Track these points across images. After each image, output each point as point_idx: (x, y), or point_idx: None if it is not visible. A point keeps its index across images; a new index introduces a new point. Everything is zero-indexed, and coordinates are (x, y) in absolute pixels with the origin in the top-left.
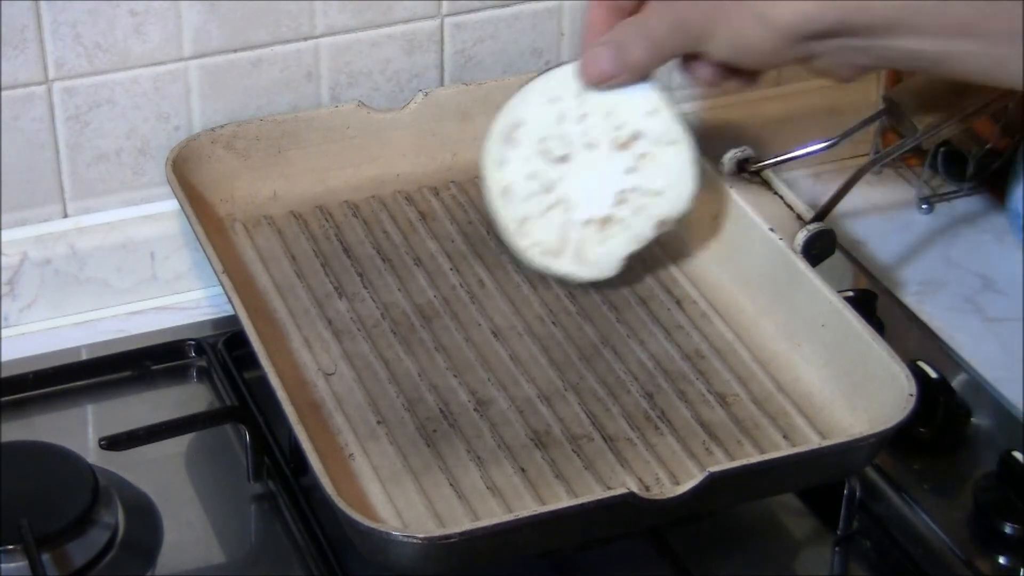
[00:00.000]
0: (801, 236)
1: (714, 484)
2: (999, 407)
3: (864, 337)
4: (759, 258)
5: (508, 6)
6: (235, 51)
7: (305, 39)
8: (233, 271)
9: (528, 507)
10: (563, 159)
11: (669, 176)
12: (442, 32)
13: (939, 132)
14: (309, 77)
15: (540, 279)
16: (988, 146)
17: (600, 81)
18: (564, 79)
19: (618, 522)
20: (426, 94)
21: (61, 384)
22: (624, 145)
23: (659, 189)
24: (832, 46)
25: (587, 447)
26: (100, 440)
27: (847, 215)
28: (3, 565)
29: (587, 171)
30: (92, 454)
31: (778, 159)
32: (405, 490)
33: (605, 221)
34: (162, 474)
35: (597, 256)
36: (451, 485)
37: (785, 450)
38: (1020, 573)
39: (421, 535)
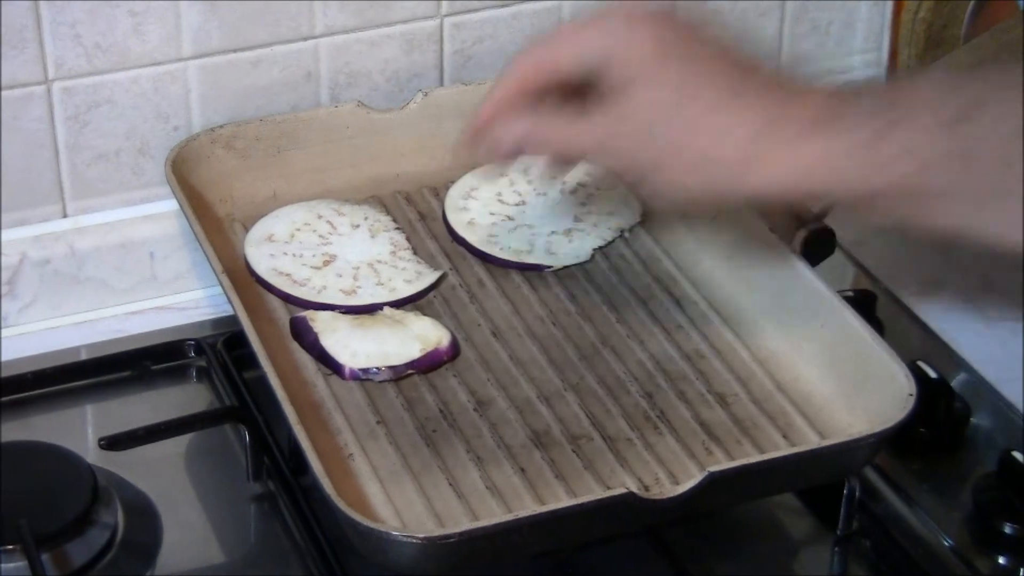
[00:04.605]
0: (801, 236)
1: (714, 484)
2: (999, 407)
3: (864, 337)
4: (759, 258)
5: (507, 6)
6: (235, 51)
7: (305, 39)
8: (232, 271)
9: (528, 507)
10: (519, 204)
11: (616, 204)
12: (441, 32)
13: None
14: (308, 77)
15: (540, 279)
16: None
17: (506, 157)
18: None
19: (618, 522)
20: (426, 94)
21: (60, 384)
22: (572, 191)
23: (611, 211)
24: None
25: (587, 447)
26: (100, 440)
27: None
28: (3, 565)
29: (543, 207)
30: (92, 454)
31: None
32: (404, 490)
33: (569, 231)
34: (162, 474)
35: (567, 250)
36: (450, 485)
37: (785, 450)
38: (1020, 573)
39: (420, 535)
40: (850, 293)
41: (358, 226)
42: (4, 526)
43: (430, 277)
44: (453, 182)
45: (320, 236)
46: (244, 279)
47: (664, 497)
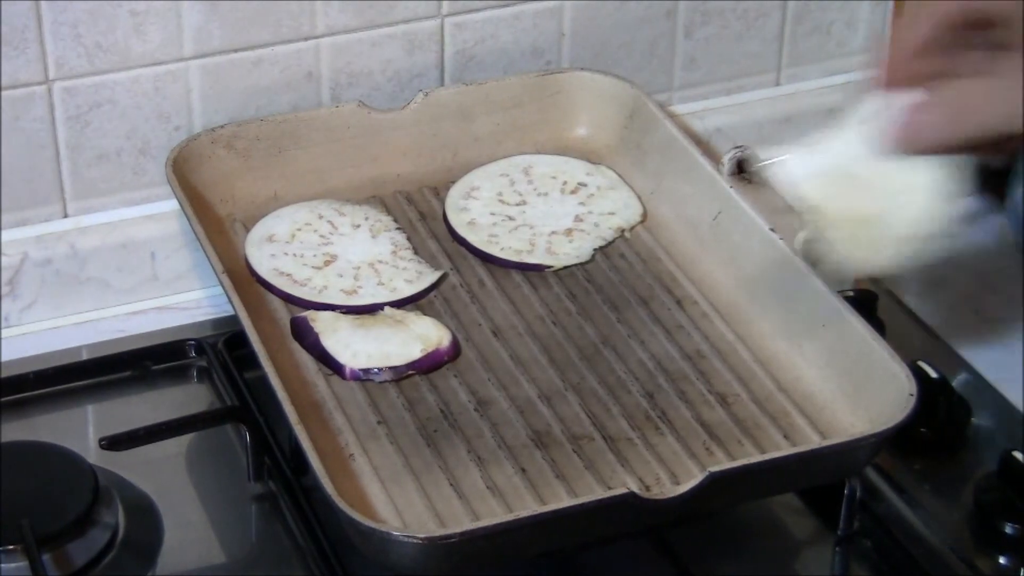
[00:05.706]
0: (802, 236)
1: (715, 484)
2: (999, 407)
3: (865, 337)
4: (759, 258)
5: (509, 6)
6: (236, 51)
7: (306, 39)
8: (233, 271)
9: (529, 507)
10: (519, 204)
11: (616, 204)
12: (443, 32)
13: None
14: (310, 77)
15: (541, 279)
16: None
17: (916, 151)
18: (509, 166)
19: (619, 522)
20: (426, 94)
21: (62, 384)
22: (573, 191)
23: (611, 211)
24: None
25: (588, 447)
26: (100, 440)
27: None
28: (4, 565)
29: (544, 207)
30: (93, 454)
31: (779, 159)
32: (405, 490)
33: (569, 231)
34: (163, 474)
35: (567, 250)
36: (451, 485)
37: (786, 450)
38: (1021, 573)
39: (422, 535)
40: (851, 293)
41: (359, 226)
42: (5, 526)
43: (431, 277)
44: (454, 182)
45: (321, 236)
46: (245, 279)
47: (665, 497)
